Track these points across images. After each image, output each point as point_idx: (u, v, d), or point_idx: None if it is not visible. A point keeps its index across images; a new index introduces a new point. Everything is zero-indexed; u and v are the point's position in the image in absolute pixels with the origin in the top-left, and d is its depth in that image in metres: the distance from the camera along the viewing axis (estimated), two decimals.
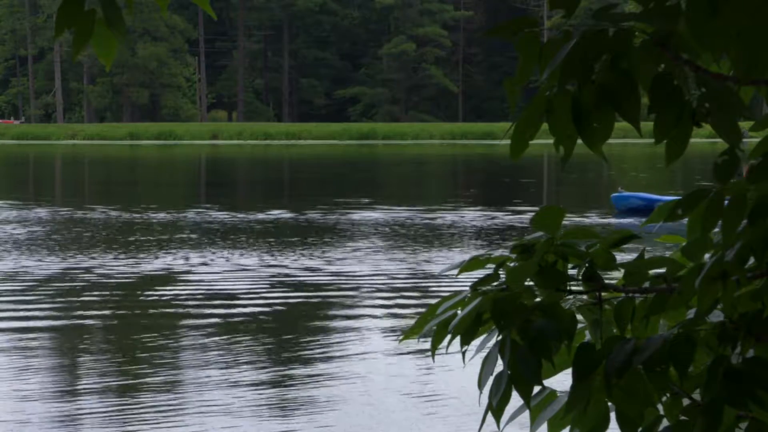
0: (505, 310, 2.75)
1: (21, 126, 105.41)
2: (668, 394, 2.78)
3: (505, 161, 55.30)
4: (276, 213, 29.21)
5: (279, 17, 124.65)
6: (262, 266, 19.09)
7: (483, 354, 2.85)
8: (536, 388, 2.81)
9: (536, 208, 2.84)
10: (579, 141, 2.63)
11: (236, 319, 14.39)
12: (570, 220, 25.12)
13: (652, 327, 2.89)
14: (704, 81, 2.54)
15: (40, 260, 19.75)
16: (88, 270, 18.60)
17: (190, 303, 15.61)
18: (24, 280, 17.54)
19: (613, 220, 27.16)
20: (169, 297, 16.14)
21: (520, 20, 2.62)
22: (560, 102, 2.58)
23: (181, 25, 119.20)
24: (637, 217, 26.99)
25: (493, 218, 27.88)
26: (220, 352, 12.46)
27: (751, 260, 2.64)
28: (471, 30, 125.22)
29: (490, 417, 2.78)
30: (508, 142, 2.67)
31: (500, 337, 2.77)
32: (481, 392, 2.86)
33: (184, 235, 24.18)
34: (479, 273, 2.89)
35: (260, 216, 28.52)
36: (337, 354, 12.43)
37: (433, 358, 2.98)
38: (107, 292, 16.56)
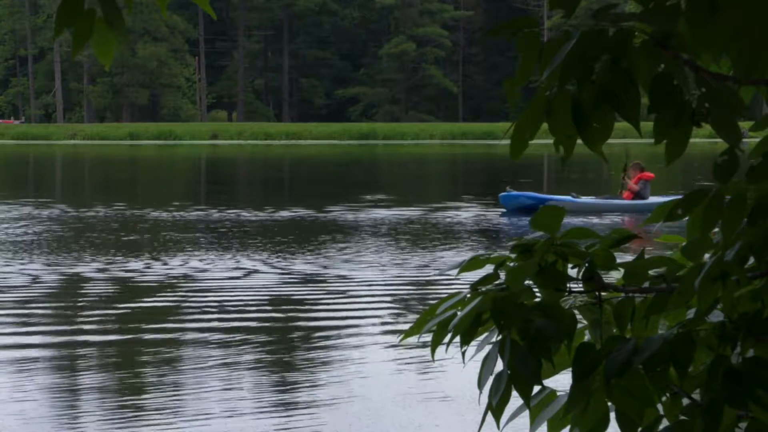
0: (505, 310, 2.75)
1: (21, 126, 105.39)
2: (668, 394, 2.78)
3: (506, 161, 55.33)
4: (276, 213, 29.22)
5: (279, 17, 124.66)
6: (261, 265, 19.09)
7: (483, 354, 2.85)
8: (536, 388, 2.81)
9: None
10: (579, 141, 2.63)
11: (235, 318, 14.39)
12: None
13: (652, 327, 2.89)
14: (704, 81, 2.54)
15: (40, 260, 19.75)
16: (88, 269, 18.61)
17: (190, 301, 15.61)
18: (24, 281, 17.54)
19: (503, 219, 27.54)
20: (169, 294, 16.14)
21: (520, 20, 2.62)
22: (560, 102, 2.58)
23: (181, 25, 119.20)
24: (527, 215, 27.63)
25: (493, 218, 27.89)
26: (219, 352, 12.46)
27: (751, 260, 2.64)
28: (471, 30, 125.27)
29: (489, 417, 2.79)
30: (508, 142, 2.68)
31: (500, 337, 2.78)
32: (480, 392, 2.86)
33: (185, 235, 24.19)
34: (479, 273, 2.89)
35: (261, 215, 28.53)
36: (336, 353, 12.43)
37: (433, 358, 2.98)
38: (107, 292, 16.56)
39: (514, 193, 29.11)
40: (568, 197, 29.13)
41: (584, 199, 29.28)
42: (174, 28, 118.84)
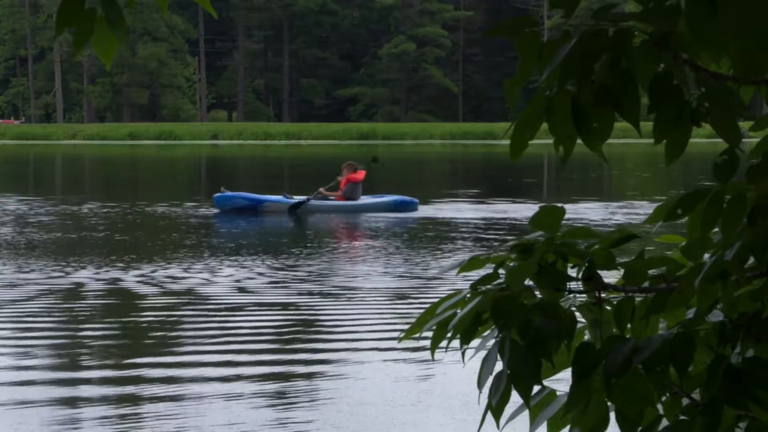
0: (505, 310, 2.75)
1: (21, 126, 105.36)
2: (668, 394, 2.78)
3: (506, 161, 55.30)
4: (277, 212, 29.21)
5: (279, 17, 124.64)
6: (261, 265, 19.09)
7: (482, 353, 2.85)
8: (536, 388, 2.81)
9: (536, 208, 2.84)
10: (579, 141, 2.64)
11: (234, 317, 14.39)
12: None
13: (652, 327, 2.89)
14: (704, 81, 2.54)
15: (38, 263, 19.75)
16: (87, 272, 18.60)
17: (191, 300, 15.61)
18: (24, 282, 17.53)
19: (215, 221, 27.77)
20: (168, 295, 16.15)
21: (520, 20, 2.62)
22: (560, 102, 2.58)
23: (181, 25, 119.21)
24: (242, 216, 27.99)
25: (493, 218, 27.89)
26: (219, 349, 12.46)
27: (751, 260, 2.64)
28: (471, 30, 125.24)
29: (489, 417, 2.78)
30: (508, 142, 2.68)
31: (500, 337, 2.78)
32: (480, 392, 2.86)
33: (185, 236, 24.20)
34: (479, 273, 2.89)
35: (261, 215, 28.53)
36: (335, 353, 12.42)
37: (433, 358, 2.98)
38: (107, 295, 16.57)
39: (229, 194, 29.14)
40: (281, 197, 29.38)
41: (297, 198, 29.45)
42: (174, 28, 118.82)
